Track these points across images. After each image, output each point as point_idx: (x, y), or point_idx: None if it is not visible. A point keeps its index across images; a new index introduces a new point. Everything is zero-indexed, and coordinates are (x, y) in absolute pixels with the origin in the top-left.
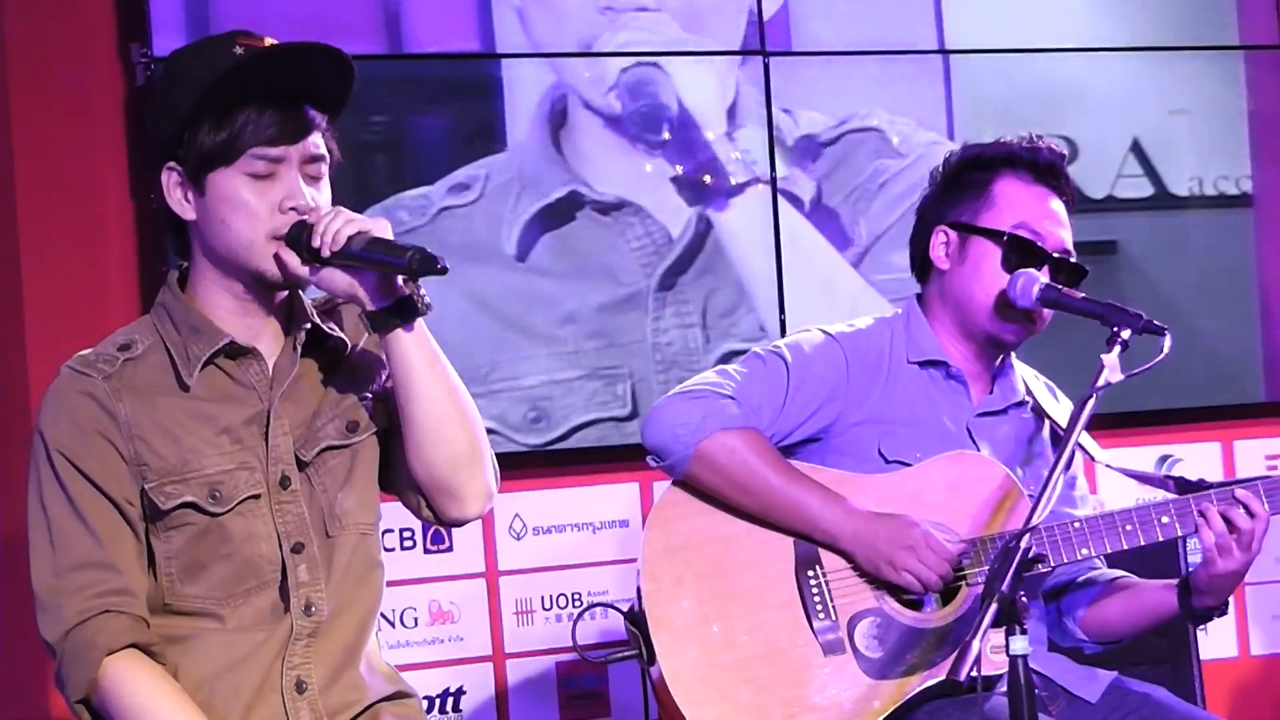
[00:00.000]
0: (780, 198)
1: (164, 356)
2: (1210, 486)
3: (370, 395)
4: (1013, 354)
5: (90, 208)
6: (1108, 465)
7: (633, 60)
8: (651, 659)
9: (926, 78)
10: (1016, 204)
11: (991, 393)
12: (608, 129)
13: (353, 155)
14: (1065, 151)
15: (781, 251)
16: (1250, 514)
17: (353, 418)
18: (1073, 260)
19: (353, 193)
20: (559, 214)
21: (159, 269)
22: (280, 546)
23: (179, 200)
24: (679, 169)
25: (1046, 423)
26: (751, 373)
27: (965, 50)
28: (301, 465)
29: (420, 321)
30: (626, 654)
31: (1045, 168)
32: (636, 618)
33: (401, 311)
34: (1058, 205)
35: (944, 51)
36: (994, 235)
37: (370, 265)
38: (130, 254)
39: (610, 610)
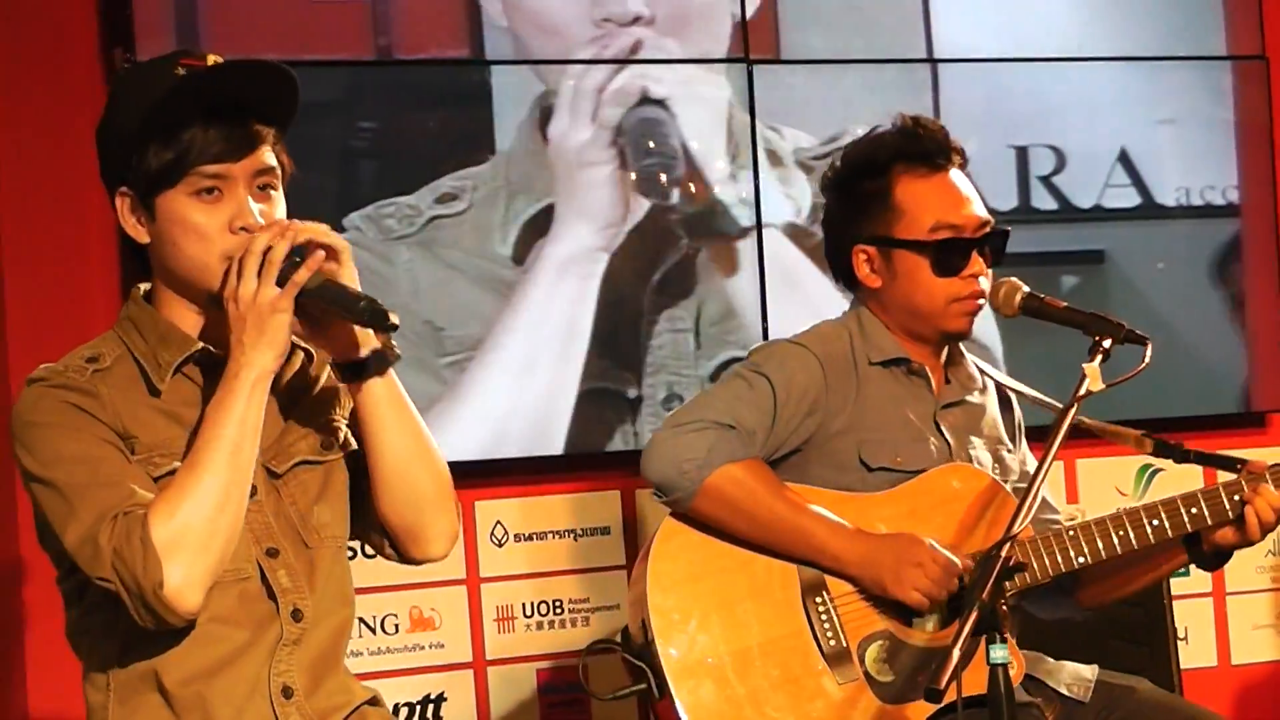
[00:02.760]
0: (768, 230)
1: (133, 367)
2: (1185, 453)
3: (342, 415)
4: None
5: (72, 214)
6: (1082, 421)
7: (636, 98)
8: (663, 693)
9: (914, 87)
10: (924, 204)
11: (949, 383)
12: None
13: (341, 162)
14: (942, 124)
15: (765, 271)
16: None
17: (326, 434)
18: (992, 227)
19: (339, 199)
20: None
21: (140, 274)
22: (254, 549)
23: (133, 225)
24: (680, 213)
25: (994, 395)
26: (739, 396)
27: (953, 60)
28: (273, 476)
29: (262, 387)
30: (633, 689)
31: (935, 150)
32: (641, 652)
33: (373, 364)
34: (958, 179)
35: (932, 60)
36: (916, 246)
37: (323, 302)
38: (112, 262)
39: (605, 643)
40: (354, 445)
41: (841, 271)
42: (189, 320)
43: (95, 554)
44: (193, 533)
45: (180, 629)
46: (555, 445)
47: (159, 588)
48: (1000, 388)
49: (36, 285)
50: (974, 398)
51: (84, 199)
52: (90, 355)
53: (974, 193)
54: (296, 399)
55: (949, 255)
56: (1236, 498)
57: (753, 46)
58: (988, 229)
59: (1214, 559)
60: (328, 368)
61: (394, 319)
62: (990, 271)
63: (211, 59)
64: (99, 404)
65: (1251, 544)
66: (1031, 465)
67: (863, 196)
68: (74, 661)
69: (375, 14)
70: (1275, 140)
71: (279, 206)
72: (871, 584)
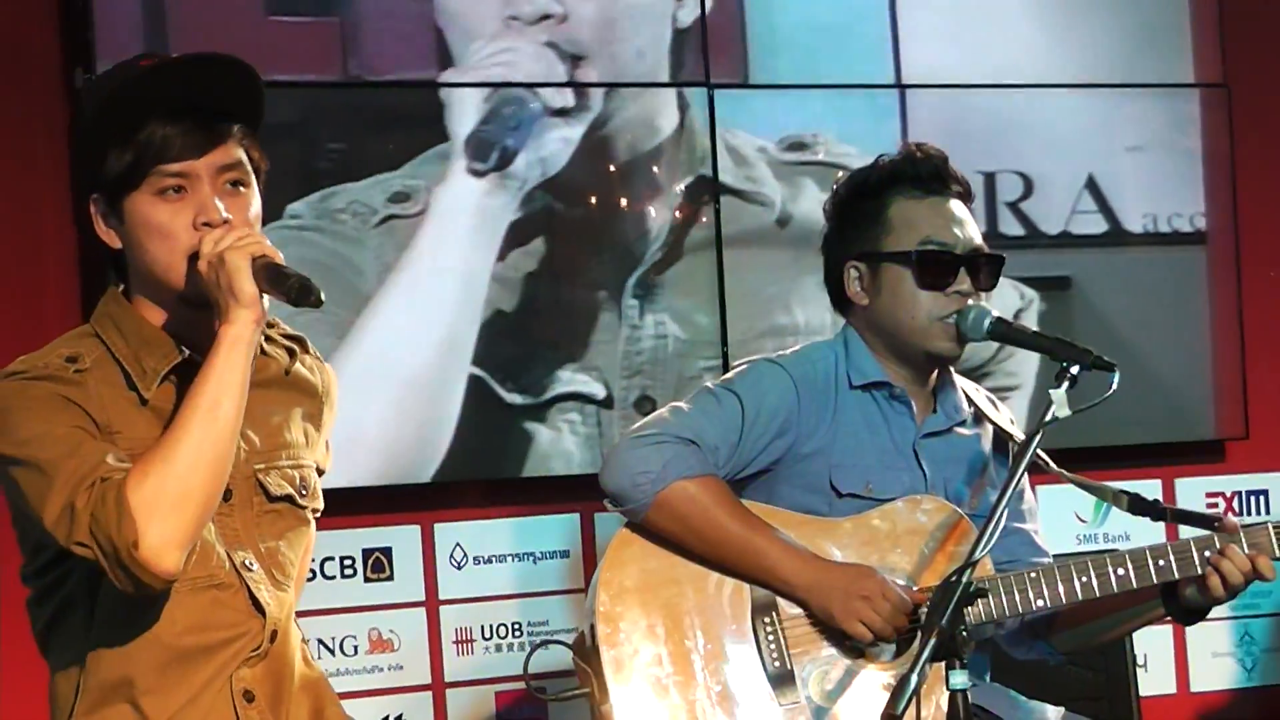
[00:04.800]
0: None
1: (114, 369)
2: (1163, 511)
3: (314, 462)
4: (952, 370)
5: (31, 234)
6: (1062, 474)
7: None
8: (604, 698)
9: (882, 112)
10: (915, 221)
11: (935, 412)
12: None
13: (307, 181)
14: (944, 153)
15: (725, 285)
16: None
17: (305, 478)
18: (987, 253)
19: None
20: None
21: (101, 294)
22: (230, 557)
23: (104, 230)
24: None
25: (990, 435)
26: (706, 411)
27: (921, 85)
28: (268, 495)
29: (243, 350)
30: (578, 692)
31: (929, 176)
32: (588, 655)
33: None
34: (955, 206)
35: (900, 86)
36: (902, 258)
37: (262, 277)
38: (71, 279)
39: (554, 643)
40: (320, 502)
41: (833, 291)
42: (170, 320)
43: (73, 520)
44: (169, 490)
45: (152, 640)
46: (513, 468)
47: (134, 547)
48: (998, 429)
49: None
50: (964, 429)
51: (43, 218)
52: (70, 355)
53: (970, 220)
54: (285, 420)
55: (934, 268)
56: (1207, 553)
57: (715, 70)
58: (980, 251)
59: (1188, 615)
60: (315, 397)
61: (320, 296)
62: (983, 296)
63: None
64: (83, 394)
65: (1218, 604)
66: (1037, 525)
67: (858, 216)
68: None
69: (344, 35)
70: (1237, 168)
71: (251, 203)
72: (819, 611)
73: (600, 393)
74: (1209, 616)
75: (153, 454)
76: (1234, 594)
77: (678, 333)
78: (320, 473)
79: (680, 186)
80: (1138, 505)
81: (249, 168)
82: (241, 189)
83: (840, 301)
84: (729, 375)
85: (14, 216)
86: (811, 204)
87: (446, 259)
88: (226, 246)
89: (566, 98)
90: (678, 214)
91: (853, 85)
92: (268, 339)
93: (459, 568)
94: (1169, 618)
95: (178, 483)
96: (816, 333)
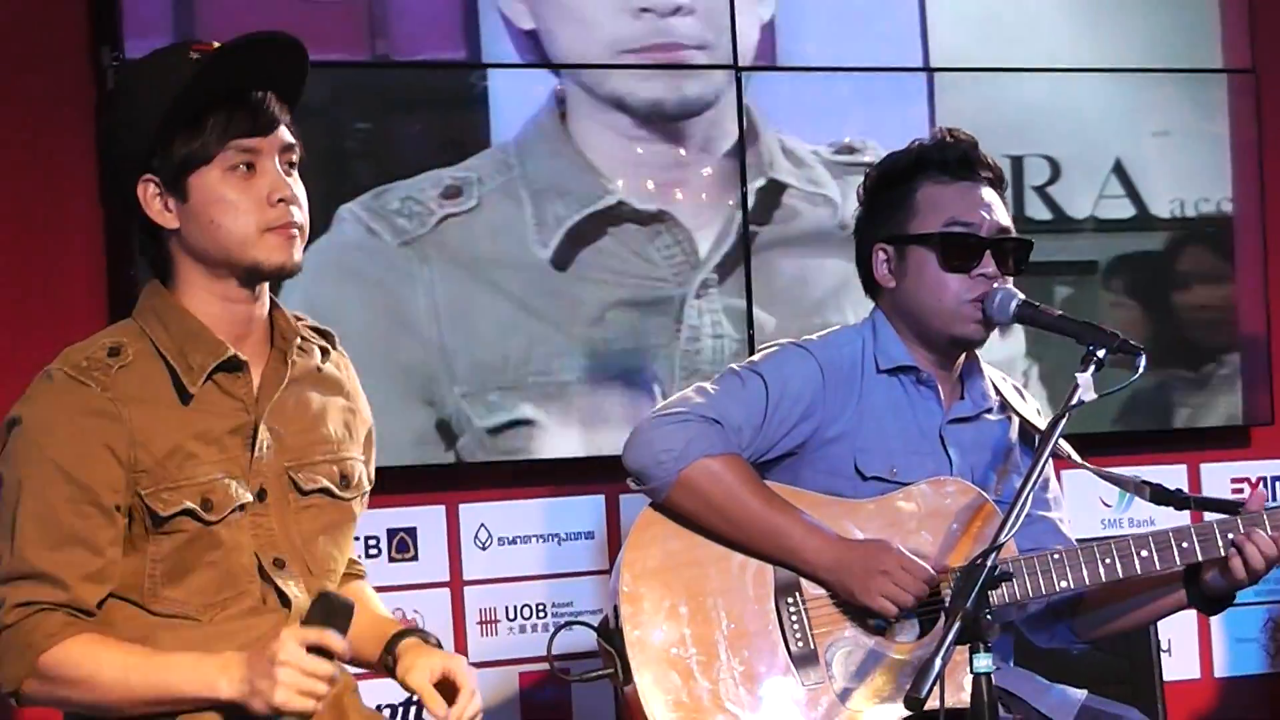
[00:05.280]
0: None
1: (159, 364)
2: (1185, 498)
3: (360, 456)
4: (980, 358)
5: (57, 212)
6: (1084, 465)
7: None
8: (628, 679)
9: (910, 96)
10: (941, 204)
11: (963, 399)
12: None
13: (335, 160)
14: (974, 138)
15: (751, 274)
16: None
17: (345, 470)
18: (1014, 236)
19: (326, 197)
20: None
21: (127, 273)
22: (258, 559)
23: (159, 210)
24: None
25: (1016, 425)
26: (731, 392)
27: (949, 69)
28: (299, 490)
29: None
30: (602, 672)
31: (957, 162)
32: (612, 636)
33: None
34: (984, 191)
35: (928, 70)
36: (927, 239)
37: None
38: (98, 259)
39: (578, 624)
40: (367, 486)
41: (864, 275)
42: (211, 311)
43: None
44: (63, 692)
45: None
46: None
47: (8, 695)
48: (1024, 421)
49: (20, 284)
50: (991, 416)
51: (71, 198)
52: (113, 346)
53: (999, 205)
54: (323, 418)
55: (958, 249)
56: (1230, 536)
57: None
58: (1006, 234)
59: (1209, 603)
60: (345, 391)
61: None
62: (1010, 280)
63: (215, 44)
64: (117, 428)
65: (1241, 588)
66: (1062, 513)
67: (887, 200)
68: None
69: (371, 15)
70: (1265, 153)
71: (301, 186)
72: (840, 589)
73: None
74: (1233, 603)
75: (83, 659)
76: (1256, 578)
77: (732, 333)
78: (370, 481)
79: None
80: (1160, 495)
81: (299, 150)
82: (295, 170)
83: (870, 285)
84: (755, 357)
85: (41, 194)
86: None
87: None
88: (279, 691)
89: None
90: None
91: (881, 69)
92: (302, 335)
93: (483, 548)
94: (1192, 606)
95: (74, 695)
96: None
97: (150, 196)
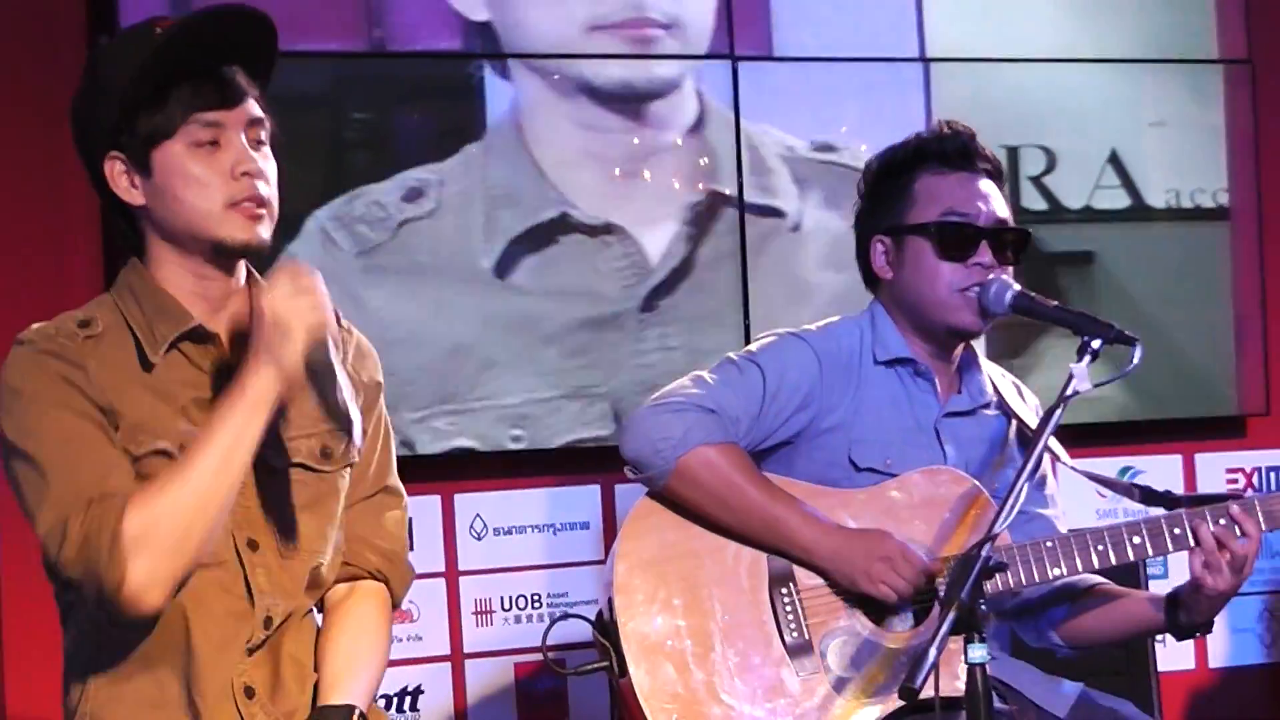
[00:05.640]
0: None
1: (126, 335)
2: (1175, 498)
3: (340, 427)
4: (979, 353)
5: (54, 200)
6: (1074, 468)
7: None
8: (623, 672)
9: (906, 86)
10: (938, 195)
11: (960, 392)
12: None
13: (334, 151)
14: (973, 130)
15: (748, 268)
16: (1244, 534)
17: (327, 443)
18: (1011, 227)
19: (324, 186)
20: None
21: (124, 264)
22: (233, 537)
23: (125, 188)
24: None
25: (1013, 423)
26: (728, 381)
27: (945, 59)
28: (270, 471)
29: (264, 412)
30: (597, 665)
31: (956, 153)
32: (607, 628)
33: None
34: (982, 182)
35: (924, 60)
36: (924, 229)
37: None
38: (95, 247)
39: (574, 616)
40: (355, 457)
41: (863, 267)
42: (185, 286)
43: (64, 539)
44: (165, 533)
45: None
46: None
47: (119, 588)
48: (1005, 407)
49: (18, 271)
50: (988, 412)
51: (69, 183)
52: (83, 319)
53: (997, 195)
54: (302, 394)
55: (954, 239)
56: (1221, 521)
57: (740, 43)
58: (1004, 225)
59: (1188, 626)
60: (342, 359)
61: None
62: (1007, 271)
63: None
64: (86, 377)
65: (1216, 595)
66: (1057, 510)
67: (885, 191)
68: (51, 658)
69: (369, 5)
70: (1261, 144)
71: (271, 163)
72: (841, 578)
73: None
74: (1211, 629)
75: (158, 490)
76: (1219, 575)
77: (690, 343)
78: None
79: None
80: (1150, 497)
81: (268, 125)
82: (263, 146)
83: (869, 278)
84: (753, 346)
85: (38, 185)
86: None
87: None
88: (295, 311)
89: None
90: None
91: (877, 59)
92: None
93: (479, 539)
94: (1169, 630)
95: (175, 526)
96: None
97: (117, 174)
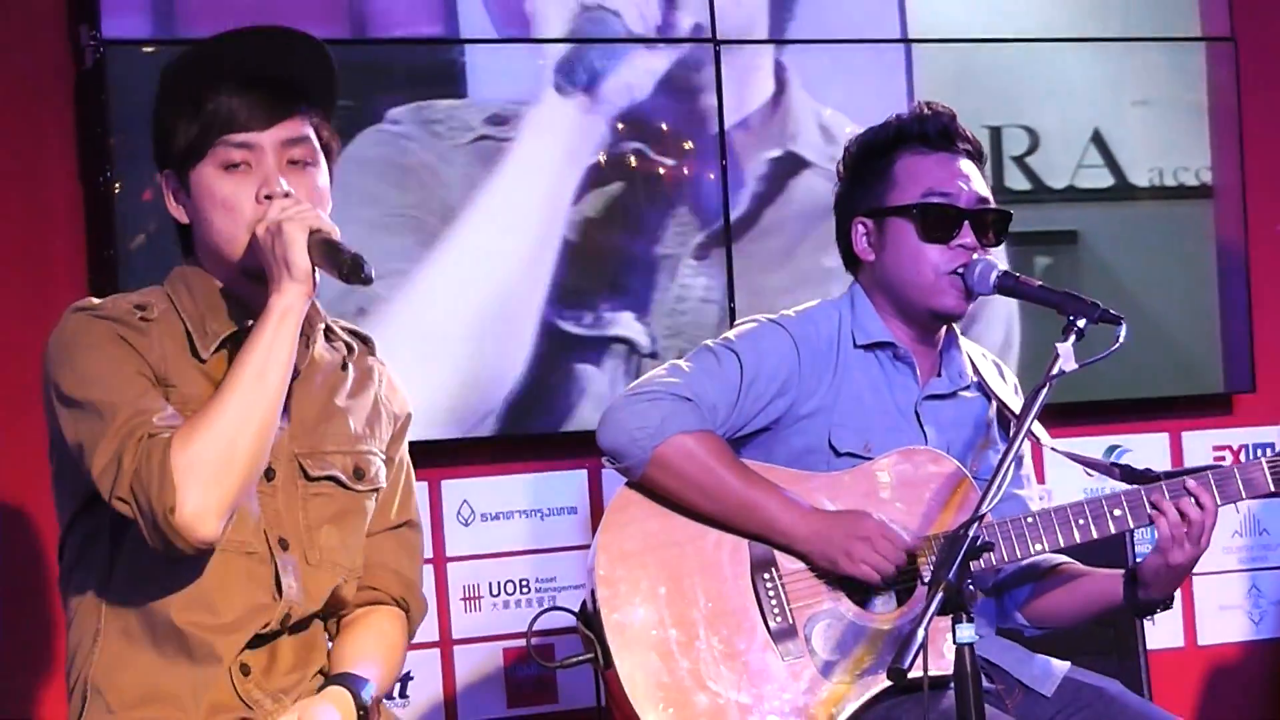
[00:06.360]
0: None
1: (179, 325)
2: (1156, 476)
3: (380, 453)
4: (959, 333)
5: (37, 191)
6: (1054, 449)
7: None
8: (608, 663)
9: (888, 67)
10: (919, 175)
11: (939, 375)
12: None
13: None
14: (953, 111)
15: (732, 250)
16: (1200, 506)
17: (361, 464)
18: (993, 207)
19: None
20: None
21: (107, 253)
22: (265, 534)
23: (174, 206)
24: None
25: (994, 404)
26: (705, 369)
27: (927, 40)
28: (305, 477)
29: (292, 322)
30: (582, 658)
31: (937, 134)
32: (591, 620)
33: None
34: (962, 163)
35: (906, 41)
36: (904, 211)
37: (316, 252)
38: (78, 238)
39: (558, 609)
40: (382, 483)
41: (844, 250)
42: (235, 291)
43: (118, 474)
44: (211, 455)
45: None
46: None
47: (170, 513)
48: (985, 389)
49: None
50: (968, 394)
51: (50, 177)
52: (139, 303)
53: (978, 176)
54: (342, 409)
55: (937, 220)
56: (1184, 495)
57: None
58: (985, 205)
59: (1146, 603)
60: (373, 391)
61: (372, 274)
62: (989, 252)
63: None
64: (146, 341)
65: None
66: (1032, 492)
67: (866, 173)
68: (36, 653)
69: None
70: (1244, 122)
71: (317, 182)
72: (821, 560)
73: (646, 345)
74: (1214, 570)
75: (197, 418)
76: (1180, 547)
77: (725, 301)
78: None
79: (766, 156)
80: (1130, 475)
81: (316, 145)
82: (308, 167)
83: (850, 260)
84: (730, 334)
85: (20, 174)
86: None
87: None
88: (285, 217)
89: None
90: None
91: (859, 40)
92: (328, 336)
93: (466, 524)
94: (1126, 605)
95: (221, 449)
96: None
97: (167, 191)
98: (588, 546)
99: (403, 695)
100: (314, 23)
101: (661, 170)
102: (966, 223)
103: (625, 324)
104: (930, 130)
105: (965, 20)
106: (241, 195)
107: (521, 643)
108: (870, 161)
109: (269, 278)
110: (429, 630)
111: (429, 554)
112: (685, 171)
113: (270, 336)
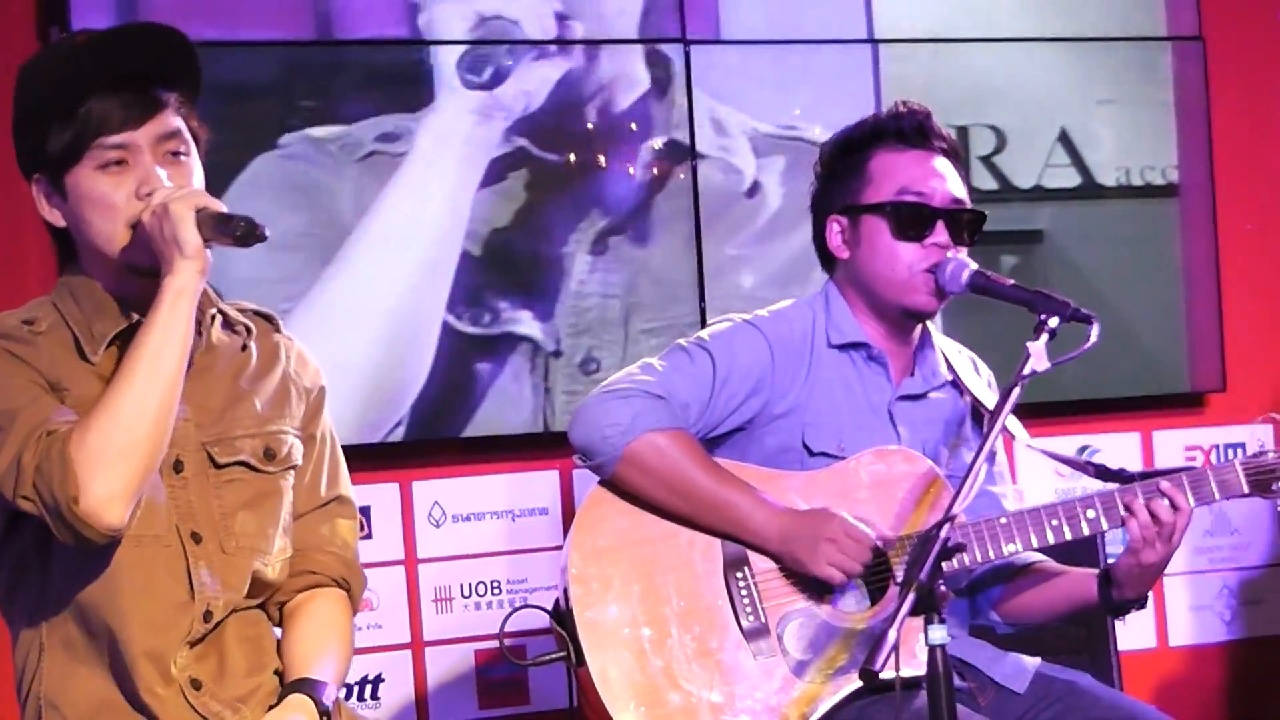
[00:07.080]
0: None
1: (66, 333)
2: (1131, 476)
3: (294, 430)
4: (933, 331)
5: (6, 194)
6: (1029, 446)
7: None
8: (580, 661)
9: (855, 67)
10: (893, 173)
11: (913, 375)
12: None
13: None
14: (928, 109)
15: (702, 255)
16: (1174, 507)
17: (272, 445)
18: (968, 208)
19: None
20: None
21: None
22: (178, 529)
23: (49, 210)
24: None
25: (968, 401)
26: (677, 367)
27: (894, 40)
28: (213, 465)
29: (187, 301)
30: (555, 656)
31: (912, 132)
32: (563, 618)
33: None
34: (937, 161)
35: (873, 41)
36: (879, 209)
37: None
38: (49, 243)
39: (530, 607)
40: (297, 460)
41: (819, 248)
42: (121, 290)
43: (19, 474)
44: (112, 442)
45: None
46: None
47: (74, 502)
48: (960, 385)
49: None
50: (941, 394)
51: (20, 179)
52: (26, 318)
53: (953, 175)
54: (247, 393)
55: (910, 218)
56: (1157, 497)
57: (690, 26)
58: (960, 206)
59: (1120, 602)
60: (291, 378)
61: (265, 232)
62: (963, 251)
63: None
64: (34, 352)
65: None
66: (1006, 488)
67: (841, 170)
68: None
69: None
70: (1213, 121)
71: (193, 174)
72: (788, 559)
73: (550, 344)
74: (1185, 571)
75: (96, 408)
76: (1151, 547)
77: (625, 295)
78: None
79: (653, 147)
80: (1105, 474)
81: (188, 136)
82: (182, 158)
83: (825, 257)
84: (704, 333)
85: None
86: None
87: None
88: (171, 198)
89: (549, 34)
90: (652, 174)
91: (826, 40)
92: (224, 323)
93: (437, 526)
94: (1100, 603)
95: (121, 434)
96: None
97: (40, 195)
98: (560, 547)
99: (374, 697)
100: (280, 25)
101: (553, 168)
102: (940, 222)
103: (526, 323)
104: (906, 127)
105: (931, 20)
106: (119, 194)
107: (493, 644)
108: (846, 159)
109: (161, 260)
110: (400, 632)
111: (400, 555)
112: (575, 167)
113: (165, 316)
